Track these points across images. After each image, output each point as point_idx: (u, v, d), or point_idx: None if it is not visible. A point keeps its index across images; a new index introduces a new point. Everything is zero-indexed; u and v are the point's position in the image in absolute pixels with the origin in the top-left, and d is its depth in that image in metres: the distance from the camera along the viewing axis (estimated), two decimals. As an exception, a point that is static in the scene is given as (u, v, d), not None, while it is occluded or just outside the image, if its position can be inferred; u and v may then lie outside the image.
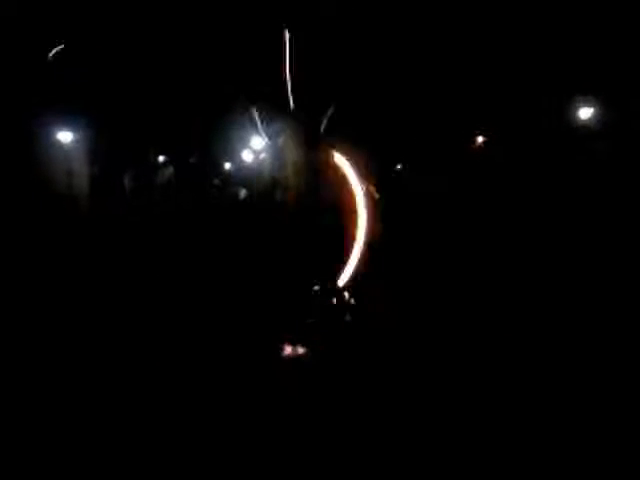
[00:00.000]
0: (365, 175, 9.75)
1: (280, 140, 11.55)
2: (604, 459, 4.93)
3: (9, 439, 5.52)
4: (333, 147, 10.13)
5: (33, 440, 5.54)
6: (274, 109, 10.94)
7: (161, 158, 15.35)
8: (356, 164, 9.80)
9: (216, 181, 16.29)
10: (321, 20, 11.09)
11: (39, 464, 5.18)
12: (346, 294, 8.13)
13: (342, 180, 9.44)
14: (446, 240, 12.41)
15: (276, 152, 11.98)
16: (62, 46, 10.76)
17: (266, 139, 11.57)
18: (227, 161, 16.19)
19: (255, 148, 14.08)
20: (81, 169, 14.62)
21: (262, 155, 13.54)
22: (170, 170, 15.52)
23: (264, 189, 12.44)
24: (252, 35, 11.77)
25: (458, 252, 11.78)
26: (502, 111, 14.86)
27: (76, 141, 14.23)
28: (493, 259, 11.34)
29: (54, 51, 10.73)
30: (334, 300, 7.89)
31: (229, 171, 16.18)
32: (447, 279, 10.63)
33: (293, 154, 11.74)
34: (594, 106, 14.05)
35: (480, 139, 16.47)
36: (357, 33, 13.13)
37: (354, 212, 8.97)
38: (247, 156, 15.03)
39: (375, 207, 9.22)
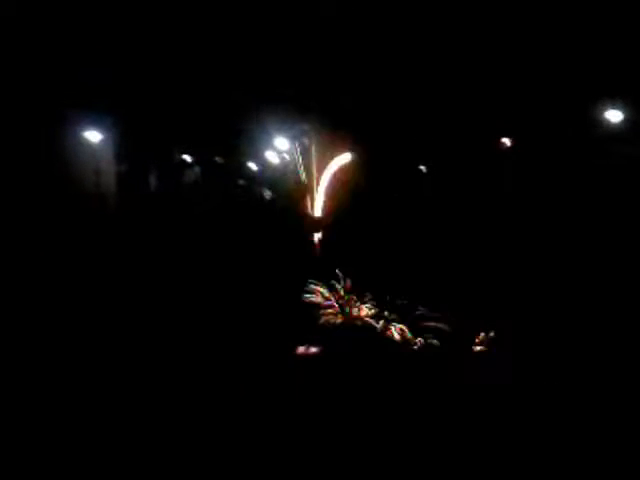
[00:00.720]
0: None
1: (305, 142, 11.57)
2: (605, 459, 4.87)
3: (9, 440, 5.58)
4: None
5: (34, 440, 5.59)
6: (298, 111, 10.98)
7: (187, 158, 15.45)
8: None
9: (241, 181, 16.35)
10: (323, 20, 11.12)
11: (40, 464, 5.23)
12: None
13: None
14: (470, 241, 12.28)
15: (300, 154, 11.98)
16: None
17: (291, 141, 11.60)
18: (252, 162, 16.22)
19: (280, 149, 14.10)
20: (108, 168, 14.79)
21: (286, 156, 13.58)
22: (196, 170, 15.62)
23: (288, 190, 12.48)
24: (275, 38, 11.80)
25: (484, 254, 11.63)
26: (529, 114, 14.69)
27: (104, 141, 14.39)
28: (521, 262, 11.19)
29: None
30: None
31: (254, 172, 16.20)
32: (472, 281, 10.51)
33: (317, 157, 11.73)
34: (622, 109, 13.80)
35: (506, 141, 16.29)
36: (383, 33, 13.10)
37: None
38: (272, 157, 15.04)
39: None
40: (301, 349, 7.25)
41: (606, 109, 13.74)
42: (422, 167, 15.48)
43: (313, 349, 7.21)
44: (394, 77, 13.66)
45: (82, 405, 6.62)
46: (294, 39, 12.25)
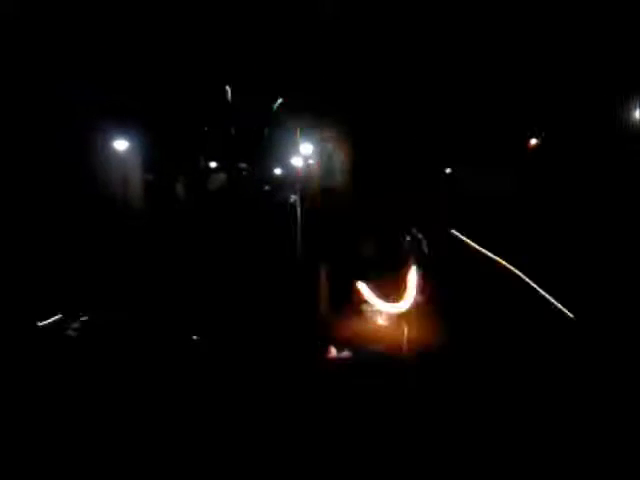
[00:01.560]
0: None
1: (329, 146, 11.60)
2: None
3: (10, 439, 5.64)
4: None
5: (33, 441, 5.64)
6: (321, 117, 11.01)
7: (213, 164, 15.60)
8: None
9: (266, 187, 16.47)
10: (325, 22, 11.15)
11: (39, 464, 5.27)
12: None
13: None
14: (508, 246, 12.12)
15: (325, 159, 12.02)
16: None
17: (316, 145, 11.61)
18: (277, 167, 16.33)
19: (305, 154, 14.16)
20: (135, 176, 14.95)
21: (311, 161, 13.64)
22: (222, 176, 15.74)
23: (313, 195, 12.51)
24: (298, 47, 11.86)
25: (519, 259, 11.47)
26: (558, 111, 14.58)
27: (131, 149, 14.56)
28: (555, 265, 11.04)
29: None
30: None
31: (279, 177, 16.31)
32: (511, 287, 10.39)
33: (341, 161, 11.76)
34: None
35: (535, 140, 16.17)
36: (402, 32, 13.10)
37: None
38: (297, 162, 15.10)
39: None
40: (332, 353, 7.21)
41: (635, 108, 13.60)
42: (448, 169, 15.44)
43: (346, 353, 7.16)
44: (416, 79, 13.66)
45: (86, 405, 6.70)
46: (305, 45, 12.36)
